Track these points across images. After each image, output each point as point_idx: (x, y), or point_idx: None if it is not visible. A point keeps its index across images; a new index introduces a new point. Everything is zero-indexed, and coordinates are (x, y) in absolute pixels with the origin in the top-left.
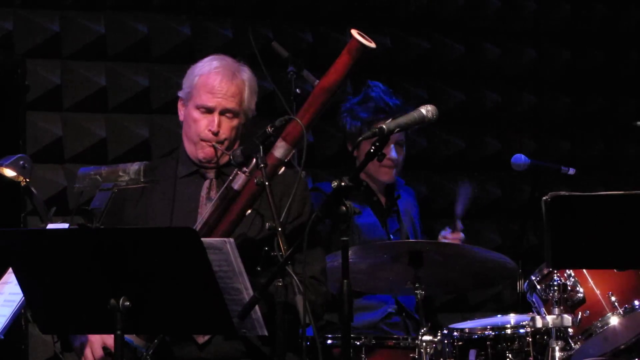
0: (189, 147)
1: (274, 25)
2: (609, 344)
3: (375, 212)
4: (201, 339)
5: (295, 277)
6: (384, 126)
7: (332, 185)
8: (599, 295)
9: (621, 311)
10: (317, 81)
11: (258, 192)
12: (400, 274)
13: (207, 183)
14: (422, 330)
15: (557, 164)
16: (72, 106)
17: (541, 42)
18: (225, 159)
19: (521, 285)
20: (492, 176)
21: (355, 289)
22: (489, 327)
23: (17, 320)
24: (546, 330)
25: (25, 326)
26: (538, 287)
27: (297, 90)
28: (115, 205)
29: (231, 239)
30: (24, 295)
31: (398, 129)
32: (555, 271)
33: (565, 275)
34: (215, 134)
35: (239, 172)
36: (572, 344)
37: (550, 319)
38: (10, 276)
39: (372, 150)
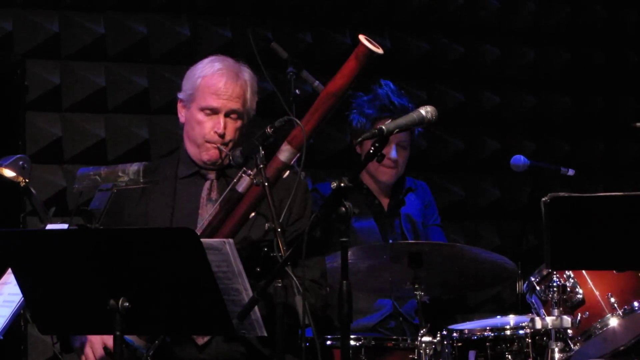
0: (191, 149)
1: (274, 26)
2: (609, 345)
3: (375, 216)
4: (201, 340)
5: (294, 278)
6: (384, 127)
7: (332, 185)
8: (599, 297)
9: (620, 312)
10: (317, 82)
11: (262, 195)
12: (399, 275)
13: (207, 184)
14: (422, 332)
15: (557, 165)
16: (72, 106)
17: (541, 43)
18: (227, 160)
19: (520, 286)
20: (491, 177)
21: (354, 290)
22: (488, 328)
23: (16, 320)
24: (545, 332)
25: (24, 327)
26: (537, 288)
27: (297, 91)
28: (115, 205)
29: (230, 240)
30: (23, 296)
31: (397, 130)
32: (555, 272)
33: (565, 276)
34: (222, 135)
35: (243, 175)
36: (572, 345)
37: (549, 320)
38: (9, 277)
39: (371, 151)
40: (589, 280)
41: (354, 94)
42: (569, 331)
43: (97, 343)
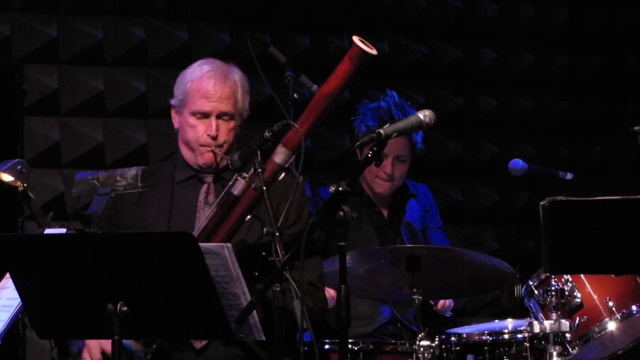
0: (187, 154)
1: (272, 30)
2: (607, 349)
3: (375, 225)
4: (199, 344)
5: (292, 282)
6: (382, 131)
7: (330, 190)
8: (597, 301)
9: (619, 316)
10: (315, 86)
11: (258, 198)
12: (397, 279)
13: (204, 187)
14: (420, 336)
15: (555, 169)
16: (70, 111)
17: (539, 47)
18: (224, 163)
19: (519, 290)
20: (489, 181)
21: (352, 294)
22: (486, 332)
23: (14, 325)
24: (544, 336)
25: (22, 331)
26: (535, 292)
27: (295, 95)
28: (113, 210)
29: (229, 244)
30: (21, 300)
31: (396, 134)
32: (553, 276)
33: (563, 280)
34: (214, 138)
35: (239, 178)
36: (570, 349)
37: (547, 324)
38: (7, 281)
39: (369, 155)
40: (587, 284)
41: (360, 100)
42: (567, 335)
43: (95, 348)
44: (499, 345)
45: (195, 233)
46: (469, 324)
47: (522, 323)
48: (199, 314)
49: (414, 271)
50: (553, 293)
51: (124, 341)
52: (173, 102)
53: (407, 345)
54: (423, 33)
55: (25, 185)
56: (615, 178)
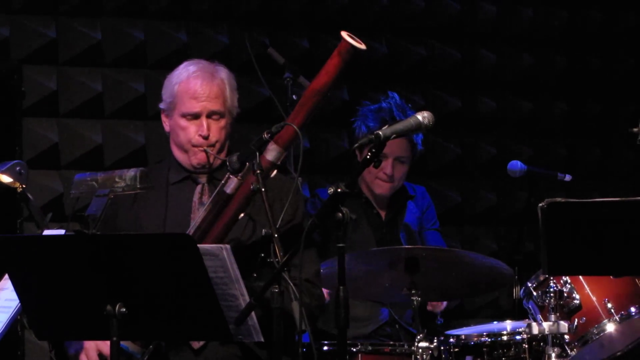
0: (180, 156)
1: (270, 32)
2: (605, 351)
3: (373, 227)
4: (197, 344)
5: (291, 284)
6: (380, 132)
7: (329, 191)
8: (595, 302)
9: (617, 318)
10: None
11: (250, 196)
12: (396, 280)
13: (199, 188)
14: (419, 337)
15: (554, 171)
16: (69, 112)
17: (537, 49)
18: (217, 163)
19: (517, 291)
20: (488, 182)
21: (351, 295)
22: (485, 333)
23: (13, 326)
24: (542, 337)
25: (21, 332)
26: (534, 293)
27: (294, 96)
28: (109, 211)
29: (227, 245)
30: (20, 302)
31: (394, 135)
32: (552, 278)
33: (562, 281)
34: (206, 137)
35: (231, 176)
36: (569, 351)
37: (546, 325)
38: (6, 282)
39: (368, 157)
40: (586, 286)
41: (359, 102)
42: (566, 337)
43: (92, 350)
44: (497, 347)
45: (190, 232)
46: (467, 325)
47: (521, 324)
48: (197, 315)
49: (412, 272)
50: (552, 294)
51: (121, 342)
52: (162, 106)
53: (405, 346)
54: (422, 35)
55: (24, 186)
56: (614, 179)
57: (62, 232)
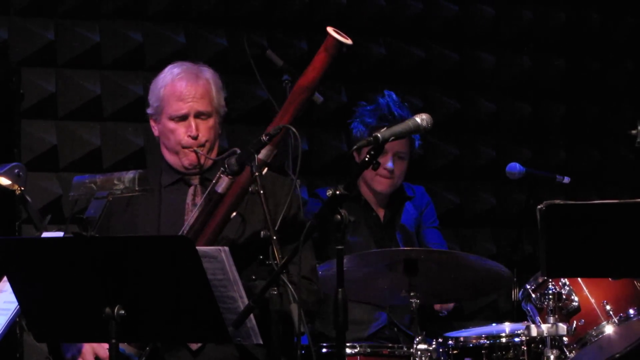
0: (171, 158)
1: (269, 34)
2: (604, 353)
3: (372, 229)
4: (194, 346)
5: (289, 286)
6: (379, 135)
7: (327, 193)
8: (594, 304)
9: (616, 320)
10: None
11: (242, 195)
12: (395, 282)
13: (191, 190)
14: (417, 339)
15: (552, 173)
16: (67, 114)
17: (536, 51)
18: (209, 163)
19: (516, 293)
20: (487, 185)
21: (350, 298)
22: (483, 335)
23: (12, 328)
24: (541, 339)
25: (20, 334)
26: (533, 295)
27: None
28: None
29: (226, 248)
30: (19, 304)
31: (393, 138)
32: (550, 280)
33: (560, 283)
34: (195, 137)
35: (222, 176)
36: (567, 353)
37: (545, 327)
38: (5, 285)
39: (366, 159)
40: (585, 288)
41: (357, 103)
42: (565, 339)
43: (89, 353)
44: (496, 349)
45: (183, 232)
46: (466, 327)
47: (520, 327)
48: (196, 317)
49: (411, 275)
50: (550, 296)
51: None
52: (149, 111)
53: (404, 349)
54: (420, 36)
55: (22, 188)
56: (612, 182)
57: (60, 234)
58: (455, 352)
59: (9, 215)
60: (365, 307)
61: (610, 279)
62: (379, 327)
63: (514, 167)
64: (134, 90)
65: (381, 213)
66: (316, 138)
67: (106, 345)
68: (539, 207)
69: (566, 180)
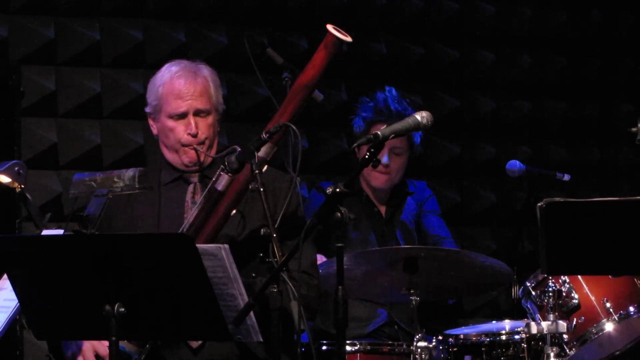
0: (170, 156)
1: (269, 32)
2: (604, 350)
3: (373, 225)
4: (195, 343)
5: (289, 284)
6: (379, 132)
7: (327, 191)
8: (594, 302)
9: (616, 317)
10: None
11: (242, 192)
12: (395, 280)
13: (191, 187)
14: (417, 337)
15: (552, 170)
16: (67, 112)
17: (536, 48)
18: (208, 161)
19: (516, 291)
20: (487, 182)
21: (350, 295)
22: (484, 333)
23: (12, 326)
24: (541, 337)
25: (20, 332)
26: (533, 293)
27: None
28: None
29: (226, 245)
30: (18, 301)
31: (393, 135)
32: (550, 277)
33: (560, 281)
34: (195, 135)
35: (222, 173)
36: (567, 350)
37: (545, 325)
38: (5, 282)
39: (366, 156)
40: (585, 285)
41: (359, 99)
42: (565, 336)
43: (89, 351)
44: (496, 346)
45: (183, 230)
46: (466, 324)
47: (520, 324)
48: (196, 315)
49: (411, 272)
50: (550, 294)
51: None
52: (148, 109)
53: (404, 346)
54: (421, 34)
55: (22, 186)
56: (612, 179)
57: (60, 232)
58: (455, 349)
59: (9, 213)
60: (366, 305)
61: (610, 276)
62: (378, 325)
63: (514, 165)
64: (134, 88)
65: (383, 209)
66: (316, 136)
67: (106, 343)
68: (539, 204)
69: (566, 177)
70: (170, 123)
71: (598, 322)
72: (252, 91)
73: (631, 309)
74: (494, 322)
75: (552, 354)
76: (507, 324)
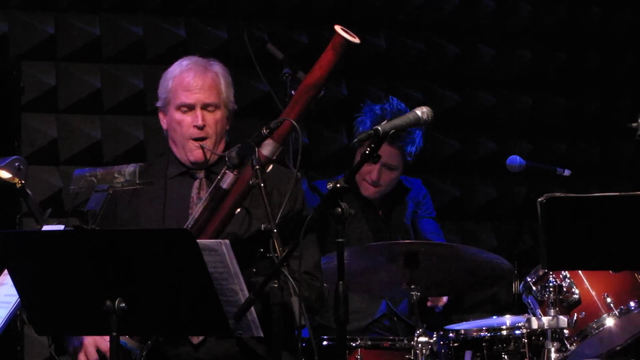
0: (178, 152)
1: (269, 27)
2: (605, 345)
3: (370, 223)
4: (196, 339)
5: (290, 279)
6: (379, 128)
7: (328, 186)
8: (595, 297)
9: (617, 312)
10: None
11: (247, 190)
12: (395, 275)
13: (197, 183)
14: (418, 332)
15: (553, 166)
16: (67, 108)
17: (536, 44)
18: (214, 159)
19: (517, 286)
20: (487, 177)
21: (350, 290)
22: (484, 328)
23: (12, 321)
24: (542, 332)
25: (20, 327)
26: (534, 288)
27: (292, 91)
28: (108, 207)
29: (227, 241)
30: (19, 297)
31: (393, 130)
32: (551, 272)
33: (561, 276)
34: (201, 127)
35: (227, 171)
36: (568, 345)
37: (545, 320)
38: (5, 278)
39: (367, 152)
40: (585, 281)
41: (357, 97)
42: (565, 331)
43: (90, 346)
44: (497, 342)
45: (187, 227)
46: (467, 320)
47: (520, 319)
48: (197, 310)
49: (412, 267)
50: (551, 289)
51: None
52: (158, 104)
53: (405, 341)
54: (421, 30)
55: (23, 182)
56: (613, 174)
57: (61, 227)
58: (455, 344)
59: (9, 208)
60: (364, 297)
61: (611, 271)
62: (378, 316)
63: (515, 160)
64: (134, 83)
65: (380, 207)
66: (317, 132)
67: (108, 338)
68: (539, 199)
69: (567, 172)
70: (178, 116)
71: (599, 317)
72: (253, 87)
73: (632, 304)
74: (494, 317)
75: (552, 349)
76: (508, 319)
